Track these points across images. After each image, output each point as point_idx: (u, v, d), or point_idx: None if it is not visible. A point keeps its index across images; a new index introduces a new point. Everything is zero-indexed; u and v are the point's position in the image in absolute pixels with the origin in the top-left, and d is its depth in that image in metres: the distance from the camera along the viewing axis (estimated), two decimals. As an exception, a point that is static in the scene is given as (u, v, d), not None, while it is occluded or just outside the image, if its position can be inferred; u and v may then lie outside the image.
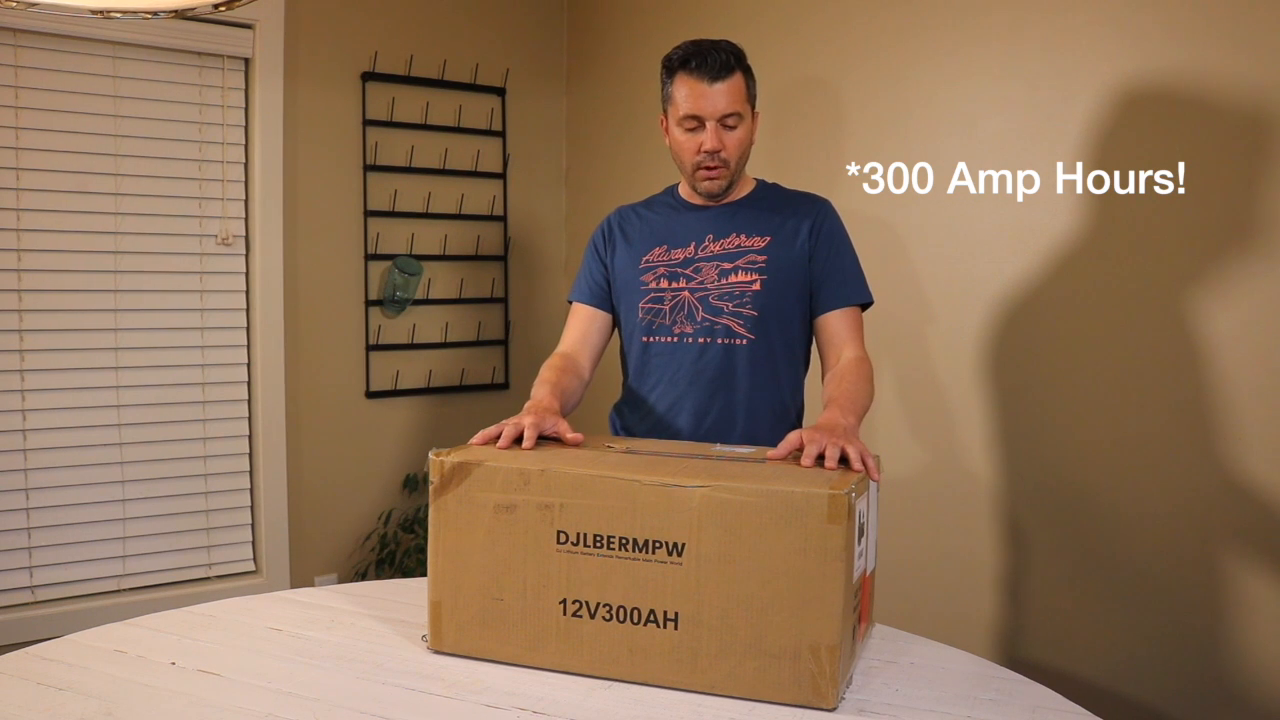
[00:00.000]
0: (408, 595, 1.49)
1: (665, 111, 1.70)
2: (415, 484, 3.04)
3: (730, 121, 1.62)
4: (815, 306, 1.69)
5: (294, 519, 2.85)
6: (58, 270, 2.50)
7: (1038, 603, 2.09)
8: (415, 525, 2.99)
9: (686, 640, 1.14)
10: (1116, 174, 1.93)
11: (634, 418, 1.75)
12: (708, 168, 1.64)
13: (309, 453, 2.88)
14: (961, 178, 2.19)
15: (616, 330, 1.81)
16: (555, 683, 1.17)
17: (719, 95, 1.60)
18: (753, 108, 1.68)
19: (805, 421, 1.77)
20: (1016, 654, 2.11)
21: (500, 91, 3.17)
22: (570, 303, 1.81)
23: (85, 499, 2.56)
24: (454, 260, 3.11)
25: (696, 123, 1.62)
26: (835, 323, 1.67)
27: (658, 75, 1.71)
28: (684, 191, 1.76)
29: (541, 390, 1.55)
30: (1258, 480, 1.74)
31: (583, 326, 1.77)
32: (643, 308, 1.69)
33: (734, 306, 1.64)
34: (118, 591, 2.61)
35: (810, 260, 1.67)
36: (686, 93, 1.62)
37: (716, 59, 1.60)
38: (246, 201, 2.76)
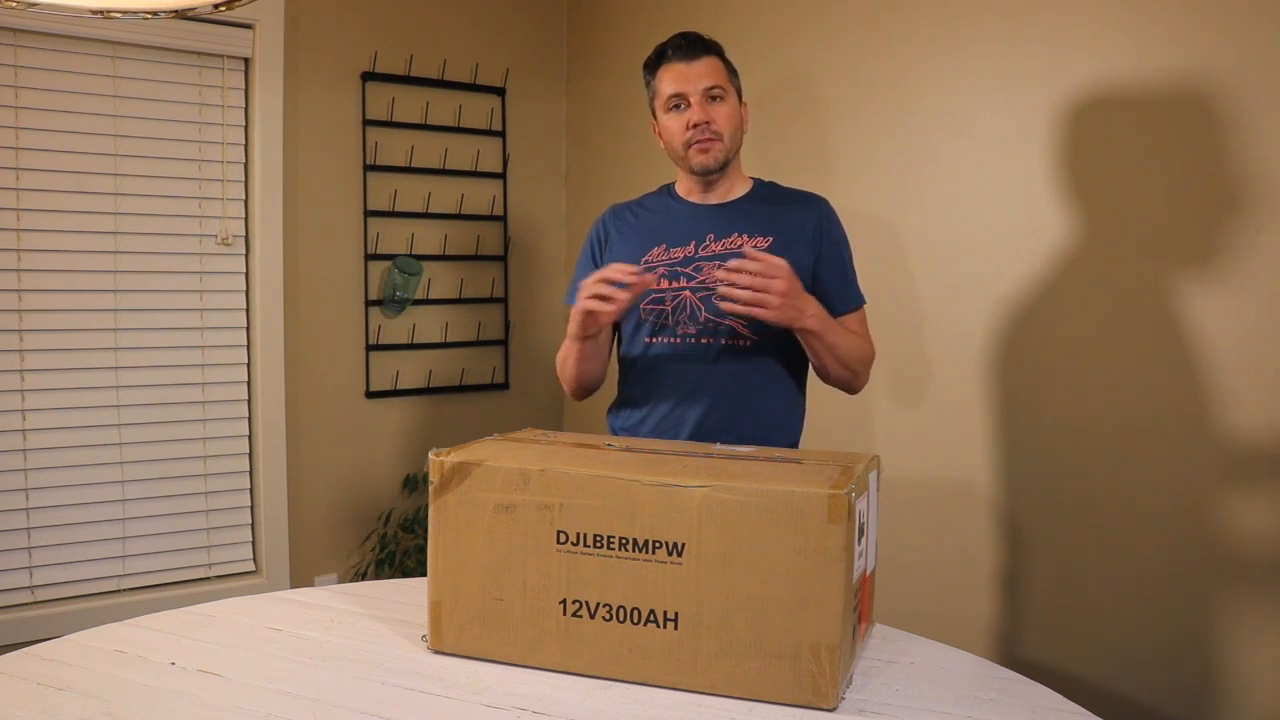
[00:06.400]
0: (408, 595, 1.49)
1: (653, 110, 1.72)
2: (415, 484, 3.04)
3: (715, 92, 1.64)
4: None
5: (294, 519, 2.85)
6: (58, 270, 2.50)
7: (1037, 603, 2.09)
8: (415, 525, 2.99)
9: (686, 640, 1.14)
10: (1115, 173, 1.93)
11: (634, 418, 1.75)
12: (699, 141, 1.64)
13: (309, 453, 2.88)
14: (960, 177, 2.19)
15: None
16: (555, 683, 1.17)
17: (699, 71, 1.64)
18: (740, 97, 1.69)
19: (808, 422, 1.77)
20: (1016, 654, 2.11)
21: (500, 91, 3.17)
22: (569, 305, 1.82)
23: (85, 499, 2.56)
24: (454, 260, 3.11)
25: (681, 99, 1.65)
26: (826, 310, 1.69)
27: (657, 76, 1.72)
28: (681, 189, 1.76)
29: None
30: (1257, 480, 1.74)
31: None
32: (644, 308, 1.69)
33: None
34: (118, 591, 2.61)
35: (815, 263, 1.67)
36: (668, 77, 1.66)
37: (691, 41, 1.66)
38: (246, 201, 2.76)
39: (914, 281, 2.29)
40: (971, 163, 2.17)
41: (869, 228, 2.33)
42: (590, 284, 1.51)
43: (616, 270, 1.51)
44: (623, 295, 1.50)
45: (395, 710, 1.09)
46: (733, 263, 1.48)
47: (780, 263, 1.48)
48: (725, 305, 1.50)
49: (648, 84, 1.71)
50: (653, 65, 1.69)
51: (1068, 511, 2.02)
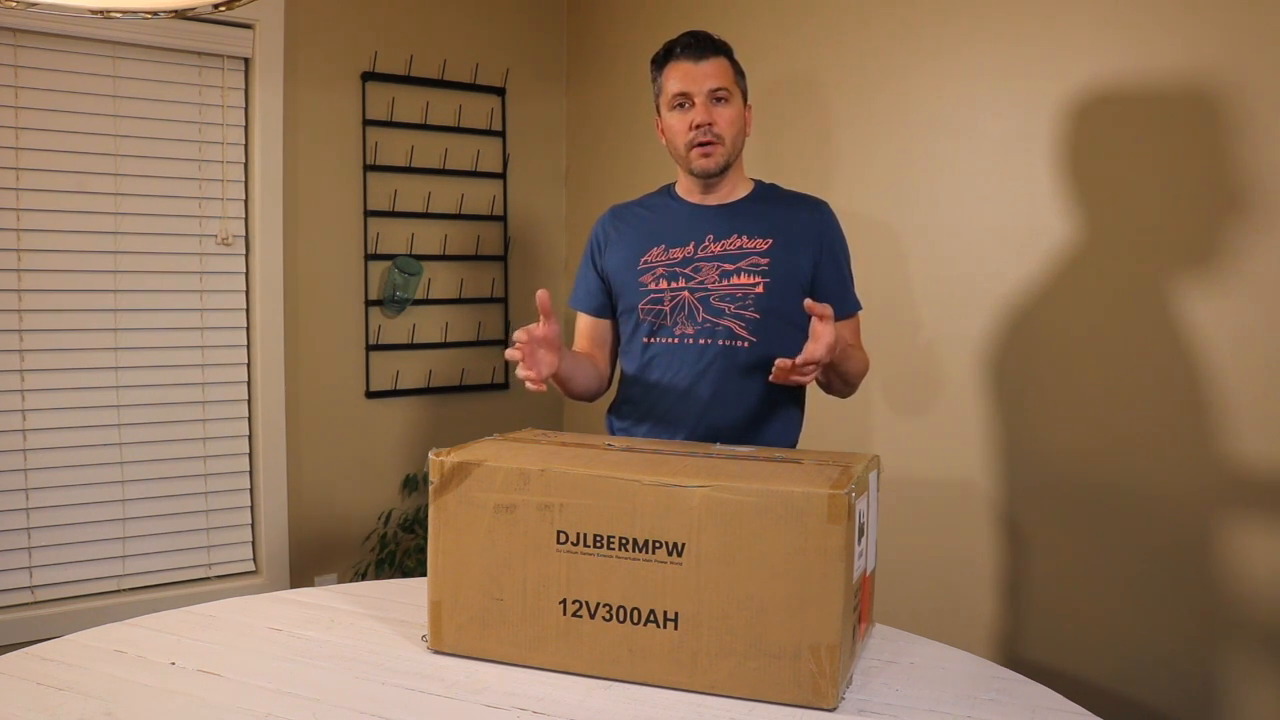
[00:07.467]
0: (408, 595, 1.49)
1: (658, 108, 1.71)
2: (415, 484, 3.04)
3: (720, 94, 1.64)
4: None
5: (294, 519, 2.85)
6: (58, 270, 2.50)
7: (1038, 603, 2.09)
8: (415, 525, 2.99)
9: (686, 640, 1.14)
10: (1115, 174, 1.93)
11: (632, 418, 1.75)
12: (701, 144, 1.64)
13: (309, 453, 2.88)
14: (960, 178, 2.19)
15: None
16: (555, 683, 1.17)
17: (705, 71, 1.64)
18: (745, 99, 1.69)
19: (807, 423, 1.77)
20: (1016, 654, 2.11)
21: (500, 91, 3.17)
22: (572, 309, 1.83)
23: (85, 499, 2.56)
24: (454, 260, 3.11)
25: (685, 99, 1.65)
26: (838, 333, 1.68)
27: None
28: (682, 189, 1.75)
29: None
30: (1259, 480, 1.74)
31: (589, 333, 1.80)
32: (643, 309, 1.69)
33: (736, 308, 1.64)
34: (118, 591, 2.61)
35: (816, 268, 1.68)
36: (674, 75, 1.66)
37: (700, 40, 1.65)
38: (246, 201, 2.76)
39: (914, 281, 2.29)
40: (972, 163, 2.17)
41: (869, 227, 2.33)
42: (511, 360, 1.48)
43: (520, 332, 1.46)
44: (524, 347, 1.45)
45: (395, 710, 1.09)
46: (816, 357, 1.44)
47: (830, 316, 1.45)
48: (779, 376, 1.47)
49: (654, 80, 1.71)
50: (660, 62, 1.69)
51: (1068, 511, 2.02)
